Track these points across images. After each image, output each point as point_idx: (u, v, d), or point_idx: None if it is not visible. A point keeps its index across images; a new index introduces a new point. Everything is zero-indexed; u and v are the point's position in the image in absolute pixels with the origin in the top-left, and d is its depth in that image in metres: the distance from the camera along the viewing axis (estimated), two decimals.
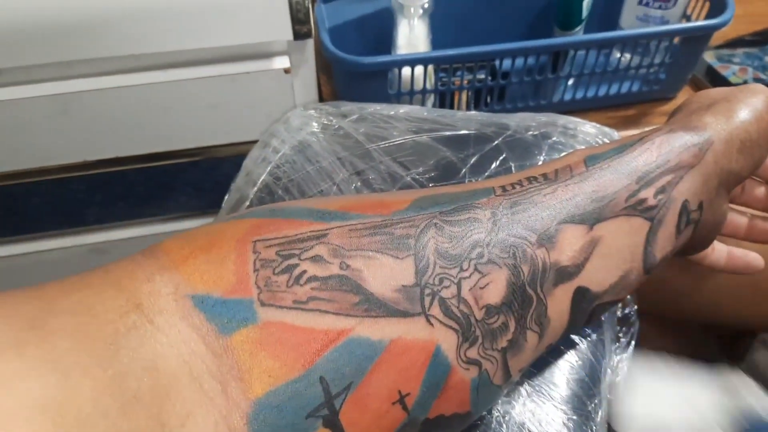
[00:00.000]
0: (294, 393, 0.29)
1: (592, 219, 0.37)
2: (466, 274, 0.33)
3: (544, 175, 0.38)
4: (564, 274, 0.36)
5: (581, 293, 0.36)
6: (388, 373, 0.31)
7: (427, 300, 0.32)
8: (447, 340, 0.32)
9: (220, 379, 0.29)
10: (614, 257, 0.37)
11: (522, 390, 0.44)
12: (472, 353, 0.33)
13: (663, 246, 0.39)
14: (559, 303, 0.36)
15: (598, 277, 0.37)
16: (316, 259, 0.32)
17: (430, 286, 0.33)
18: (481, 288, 0.33)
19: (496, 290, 0.34)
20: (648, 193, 0.38)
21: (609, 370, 0.48)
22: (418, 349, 0.32)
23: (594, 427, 0.43)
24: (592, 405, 0.44)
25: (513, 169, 0.52)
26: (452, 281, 0.33)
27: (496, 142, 0.54)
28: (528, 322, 0.35)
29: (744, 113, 0.41)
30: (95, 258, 0.86)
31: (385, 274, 0.32)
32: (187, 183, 0.84)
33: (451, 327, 0.33)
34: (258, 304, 0.30)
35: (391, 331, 0.31)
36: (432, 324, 0.32)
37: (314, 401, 0.30)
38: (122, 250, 0.88)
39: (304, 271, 0.31)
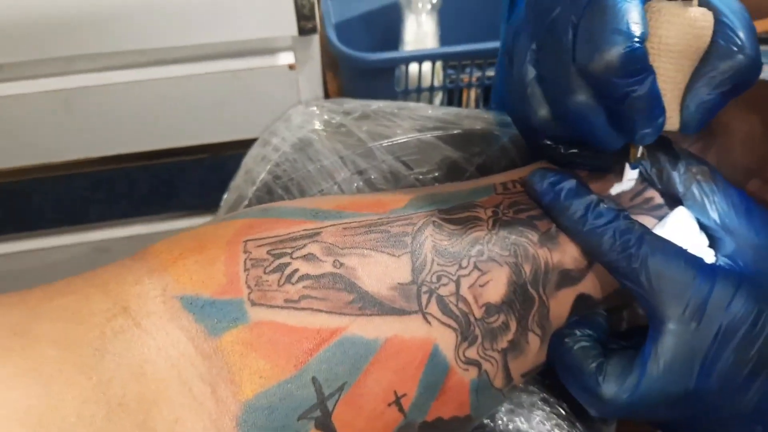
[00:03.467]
0: (286, 394, 0.29)
1: None
2: (465, 271, 0.33)
3: None
4: (568, 278, 0.35)
5: (583, 300, 0.35)
6: (384, 372, 0.30)
7: (425, 298, 0.32)
8: (445, 339, 0.32)
9: (209, 381, 0.28)
10: None
11: (529, 400, 0.42)
12: (472, 353, 0.32)
13: None
14: (560, 307, 0.35)
15: (601, 282, 0.35)
16: (309, 257, 0.31)
17: (427, 283, 0.32)
18: (481, 286, 0.33)
19: (496, 289, 0.33)
20: (654, 192, 0.37)
21: None
22: (415, 348, 0.31)
23: None
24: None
25: None
26: (451, 279, 0.32)
27: (503, 141, 0.53)
28: (530, 324, 0.34)
29: None
30: (98, 256, 0.86)
31: (380, 271, 0.31)
32: (191, 181, 0.84)
33: (449, 325, 0.32)
34: (248, 303, 0.30)
35: (387, 329, 0.31)
36: (429, 322, 0.31)
37: (306, 402, 0.29)
38: (125, 248, 0.88)
39: (296, 270, 0.31)
